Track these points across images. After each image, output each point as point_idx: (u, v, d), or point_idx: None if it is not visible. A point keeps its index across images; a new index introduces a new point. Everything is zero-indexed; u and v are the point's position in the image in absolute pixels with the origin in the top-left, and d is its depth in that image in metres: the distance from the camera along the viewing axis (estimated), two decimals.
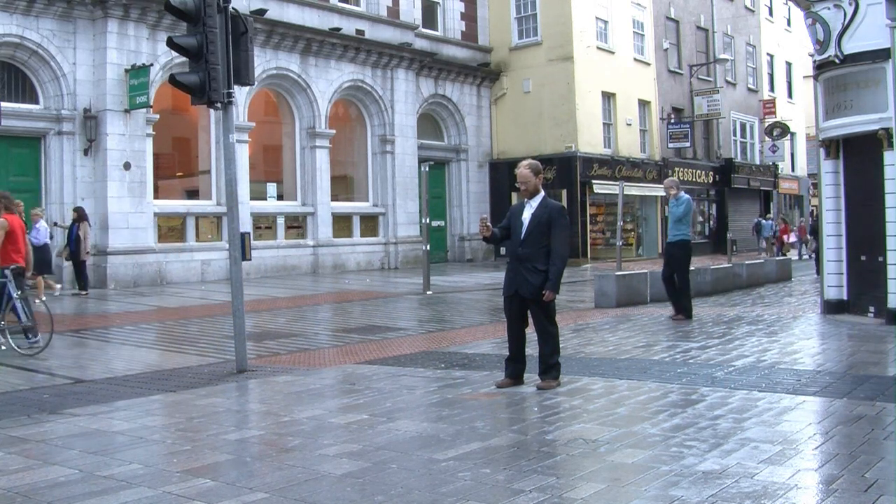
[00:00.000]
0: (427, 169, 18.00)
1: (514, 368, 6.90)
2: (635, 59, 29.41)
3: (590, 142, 26.80)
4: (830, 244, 11.80)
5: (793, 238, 30.90)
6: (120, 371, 8.34)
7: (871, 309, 11.13)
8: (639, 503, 3.89)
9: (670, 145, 30.20)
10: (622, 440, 5.01)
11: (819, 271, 22.73)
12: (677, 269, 11.70)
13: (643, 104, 29.87)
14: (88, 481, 4.44)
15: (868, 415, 5.51)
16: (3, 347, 9.30)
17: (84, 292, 15.66)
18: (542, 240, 6.66)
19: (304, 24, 21.48)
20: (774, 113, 37.12)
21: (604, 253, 27.18)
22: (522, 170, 6.84)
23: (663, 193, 29.59)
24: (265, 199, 21.29)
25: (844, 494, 3.93)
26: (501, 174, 26.87)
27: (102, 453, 5.03)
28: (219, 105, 8.20)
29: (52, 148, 17.03)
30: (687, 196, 11.77)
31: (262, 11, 20.10)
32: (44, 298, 10.91)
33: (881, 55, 10.31)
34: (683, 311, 11.57)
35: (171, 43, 8.23)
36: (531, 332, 6.84)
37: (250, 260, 9.20)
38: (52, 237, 15.57)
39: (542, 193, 6.88)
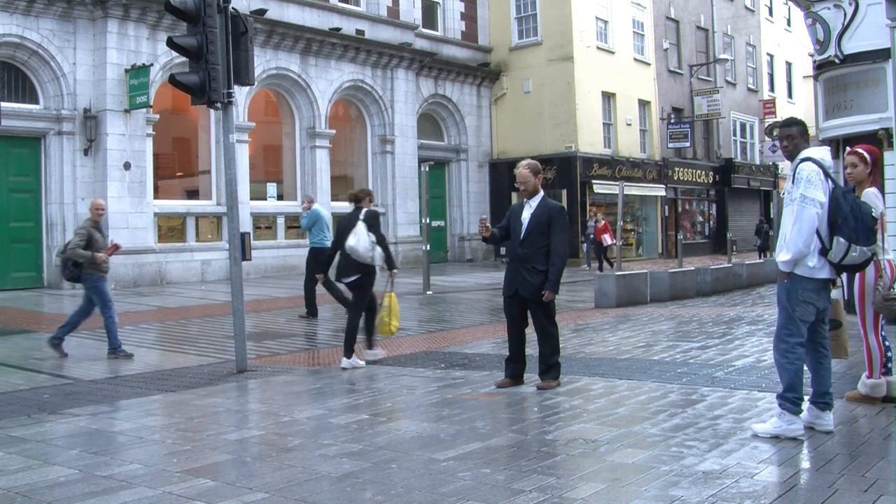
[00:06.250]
0: (427, 169, 18.01)
1: (514, 368, 6.90)
2: (635, 59, 29.40)
3: (590, 142, 26.80)
4: None
5: (613, 239, 22.42)
6: (120, 371, 8.35)
7: None
8: (639, 503, 3.89)
9: (670, 145, 30.21)
10: (622, 440, 5.01)
11: (601, 268, 21.01)
12: (306, 272, 12.45)
13: (643, 104, 29.86)
14: (88, 481, 4.44)
15: (868, 415, 5.51)
16: None
17: None
18: (541, 240, 6.66)
19: (304, 24, 21.47)
20: (774, 113, 37.12)
21: None
22: (522, 170, 6.84)
23: (663, 193, 30.00)
24: (265, 199, 21.27)
25: (844, 494, 3.93)
26: (501, 174, 26.85)
27: (102, 453, 5.03)
28: (219, 105, 8.21)
29: (52, 148, 17.01)
30: (316, 209, 12.68)
31: (262, 11, 20.09)
32: None
33: (881, 55, 10.32)
34: (309, 308, 12.30)
35: (171, 43, 8.23)
36: (531, 333, 6.84)
37: (250, 260, 9.21)
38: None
39: (542, 193, 6.88)
